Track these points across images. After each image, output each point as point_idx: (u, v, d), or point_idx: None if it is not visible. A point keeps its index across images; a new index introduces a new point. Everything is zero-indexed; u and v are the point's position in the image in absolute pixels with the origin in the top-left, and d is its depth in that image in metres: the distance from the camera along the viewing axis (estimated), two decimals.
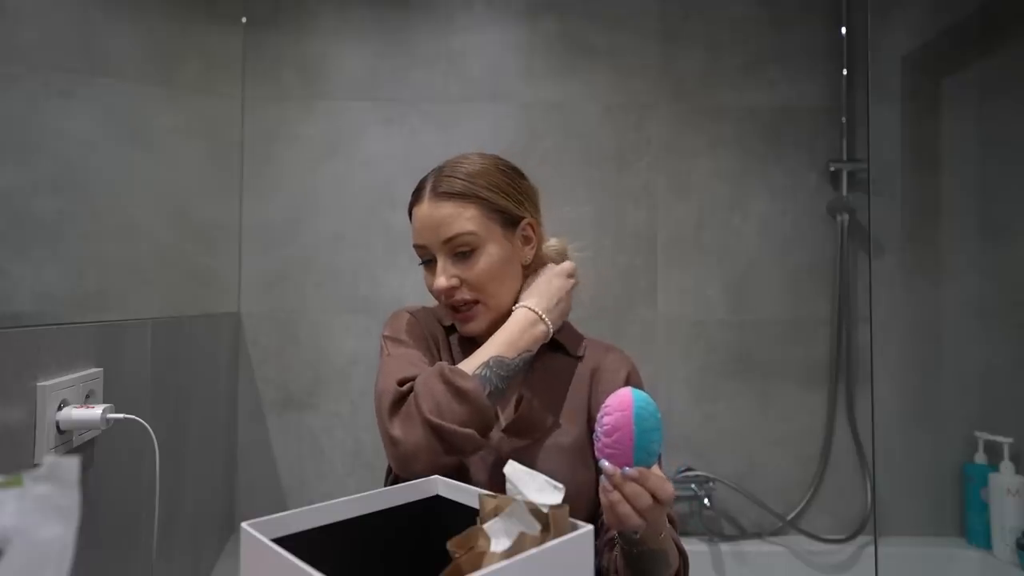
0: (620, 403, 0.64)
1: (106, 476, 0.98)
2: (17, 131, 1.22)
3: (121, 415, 0.90)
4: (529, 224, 0.95)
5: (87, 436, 0.91)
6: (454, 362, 0.90)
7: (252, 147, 1.73)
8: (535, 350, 0.89)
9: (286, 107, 1.74)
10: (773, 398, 1.78)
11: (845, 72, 1.78)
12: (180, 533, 1.29)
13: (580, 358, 0.97)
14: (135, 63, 1.45)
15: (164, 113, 1.51)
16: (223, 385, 1.62)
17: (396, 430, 0.77)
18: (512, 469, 0.57)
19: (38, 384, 0.80)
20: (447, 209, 0.88)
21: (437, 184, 0.90)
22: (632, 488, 0.63)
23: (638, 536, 0.70)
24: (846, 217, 1.76)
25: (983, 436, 1.69)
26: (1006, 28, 1.75)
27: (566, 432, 0.89)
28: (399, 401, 0.79)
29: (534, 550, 0.46)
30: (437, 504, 0.65)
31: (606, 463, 0.64)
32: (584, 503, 0.85)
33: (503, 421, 0.89)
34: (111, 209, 1.39)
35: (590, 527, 0.53)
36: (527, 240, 0.95)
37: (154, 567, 1.01)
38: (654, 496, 0.64)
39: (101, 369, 0.95)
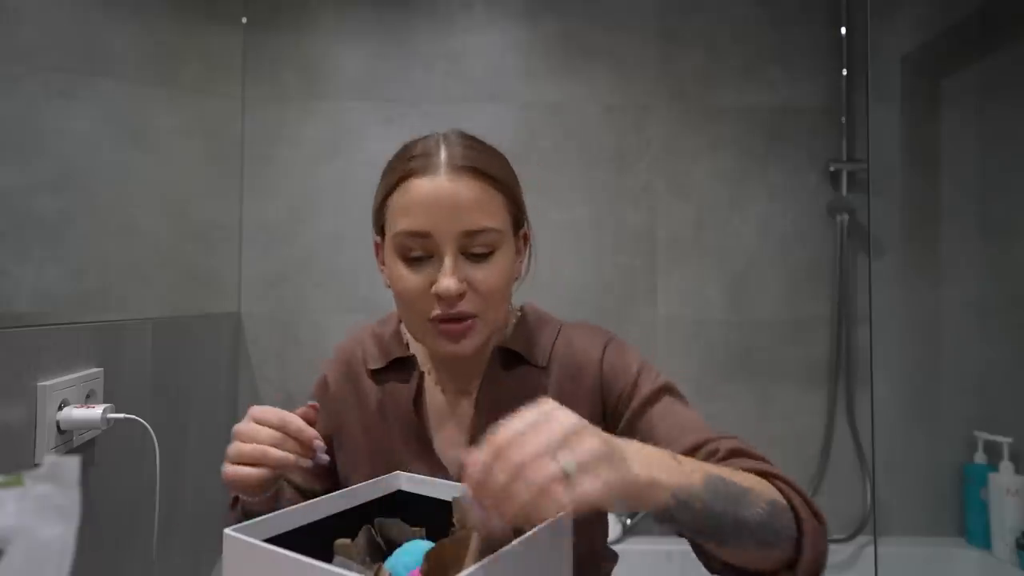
0: None
1: (106, 476, 0.98)
2: (18, 131, 1.22)
3: (121, 415, 0.90)
4: (526, 234, 0.79)
5: (87, 436, 0.91)
6: (388, 416, 0.78)
7: (252, 147, 1.73)
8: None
9: (286, 107, 1.74)
10: (773, 398, 1.78)
11: (845, 72, 1.78)
12: (180, 533, 1.30)
13: (544, 368, 0.78)
14: (135, 64, 1.45)
15: (164, 113, 1.51)
16: (223, 385, 1.62)
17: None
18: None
19: (39, 384, 0.80)
20: (475, 191, 0.68)
21: (459, 155, 0.71)
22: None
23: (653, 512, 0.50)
24: (846, 217, 1.76)
25: (983, 436, 1.69)
26: (1006, 28, 1.75)
27: None
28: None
29: (515, 542, 0.46)
30: (401, 497, 0.66)
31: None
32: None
33: (452, 470, 0.75)
34: (112, 209, 1.39)
35: (568, 510, 0.53)
36: (519, 251, 0.78)
37: (154, 567, 1.01)
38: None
39: (101, 369, 0.96)
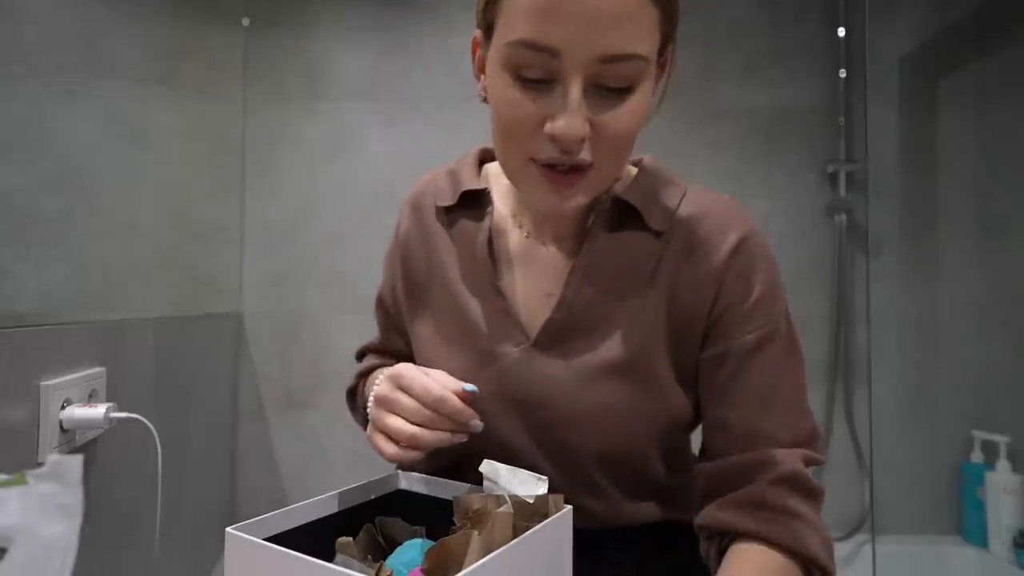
0: None
1: (109, 475, 0.99)
2: (21, 132, 1.23)
3: (124, 414, 0.91)
4: (667, 60, 0.62)
5: (90, 435, 0.92)
6: (469, 260, 0.68)
7: (253, 148, 1.74)
8: None
9: (287, 108, 1.75)
10: None
11: (843, 73, 1.78)
12: (182, 532, 1.30)
13: (660, 234, 0.65)
14: (137, 64, 1.45)
15: (166, 114, 1.51)
16: (225, 384, 1.63)
17: (354, 418, 0.81)
18: (489, 467, 0.57)
19: (41, 383, 0.81)
20: (627, 2, 0.50)
21: None
22: None
23: None
24: (844, 217, 1.77)
25: (980, 435, 1.70)
26: (1004, 29, 1.76)
27: (619, 344, 0.63)
28: (351, 395, 0.81)
29: (516, 541, 0.47)
30: (402, 496, 0.66)
31: None
32: (652, 439, 0.66)
33: (531, 332, 0.65)
34: (114, 209, 1.40)
35: (569, 508, 0.54)
36: (655, 82, 0.60)
37: (156, 565, 1.02)
38: None
39: (104, 368, 0.96)
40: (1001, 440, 1.63)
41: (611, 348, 0.63)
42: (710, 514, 0.62)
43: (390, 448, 0.56)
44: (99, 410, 0.86)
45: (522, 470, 0.56)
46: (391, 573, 0.53)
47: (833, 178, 1.80)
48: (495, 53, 0.56)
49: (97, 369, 0.94)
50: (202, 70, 1.62)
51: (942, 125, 1.80)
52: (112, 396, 0.97)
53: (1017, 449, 1.64)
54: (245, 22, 1.72)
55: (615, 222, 0.65)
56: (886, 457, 1.74)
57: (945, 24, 1.79)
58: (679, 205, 0.66)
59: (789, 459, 0.60)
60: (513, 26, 0.52)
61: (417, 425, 0.55)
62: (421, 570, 0.49)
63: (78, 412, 0.85)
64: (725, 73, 1.80)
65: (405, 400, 0.56)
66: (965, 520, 1.72)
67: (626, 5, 0.50)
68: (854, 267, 1.80)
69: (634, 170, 0.70)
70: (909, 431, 1.77)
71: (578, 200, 0.58)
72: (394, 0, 1.76)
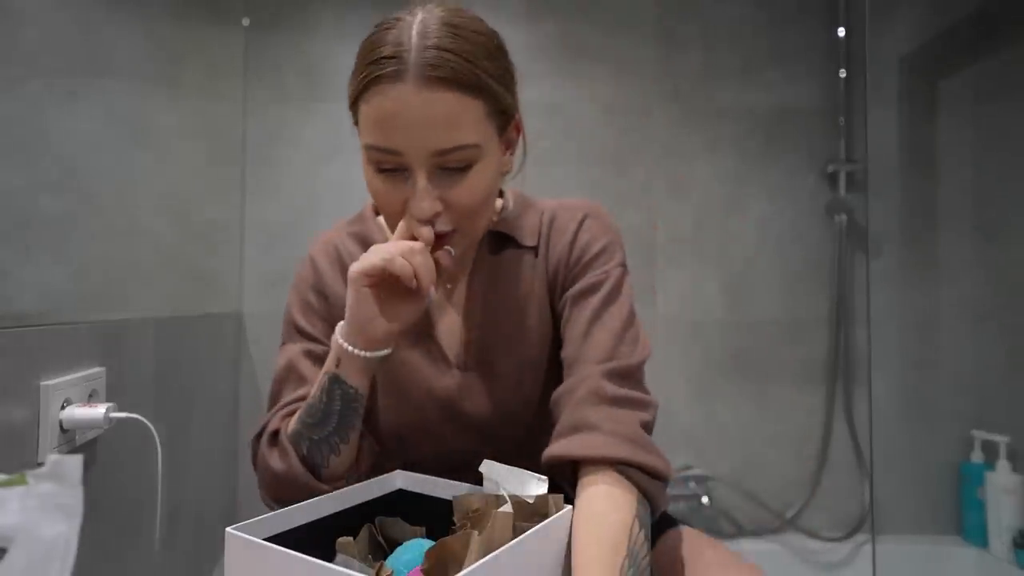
0: None
1: (109, 475, 0.99)
2: (21, 132, 1.22)
3: (124, 414, 0.91)
4: (517, 125, 0.73)
5: (90, 435, 0.92)
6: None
7: (254, 148, 1.74)
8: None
9: (287, 109, 1.75)
10: (771, 398, 1.79)
11: (843, 73, 1.78)
12: (182, 532, 1.31)
13: (534, 248, 0.78)
14: (138, 65, 1.45)
15: (167, 114, 1.51)
16: (225, 384, 1.63)
17: (276, 463, 0.68)
18: (489, 468, 0.58)
19: (41, 383, 0.81)
20: (448, 106, 0.60)
21: (432, 60, 0.60)
22: None
23: None
24: (844, 218, 1.77)
25: (980, 435, 1.70)
26: (1003, 31, 1.76)
27: (526, 343, 0.76)
28: (273, 438, 0.70)
29: (515, 540, 0.47)
30: (402, 496, 0.66)
31: None
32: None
33: (453, 357, 0.76)
34: (114, 209, 1.39)
35: (569, 508, 0.55)
36: (509, 145, 0.72)
37: (156, 566, 1.02)
38: None
39: (104, 368, 0.96)
40: (1001, 440, 1.63)
41: (521, 350, 0.76)
42: (546, 452, 0.66)
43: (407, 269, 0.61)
44: (99, 410, 0.86)
45: (522, 470, 0.57)
46: (391, 573, 0.53)
47: (833, 178, 1.80)
48: (362, 149, 0.65)
49: (97, 369, 0.95)
50: (202, 70, 1.62)
51: (942, 125, 1.80)
52: (112, 396, 0.97)
53: (1017, 449, 1.64)
54: (245, 22, 1.72)
55: (495, 248, 0.78)
56: (886, 457, 1.74)
57: (945, 25, 1.79)
58: (542, 219, 0.79)
59: (591, 376, 0.66)
60: (366, 132, 0.63)
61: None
62: (421, 570, 0.49)
63: (78, 412, 0.85)
64: (725, 73, 1.80)
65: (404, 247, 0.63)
66: (965, 520, 1.72)
67: (449, 109, 0.60)
68: (854, 267, 1.80)
69: (500, 202, 0.82)
70: (909, 431, 1.77)
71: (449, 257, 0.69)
72: (394, 2, 1.76)
